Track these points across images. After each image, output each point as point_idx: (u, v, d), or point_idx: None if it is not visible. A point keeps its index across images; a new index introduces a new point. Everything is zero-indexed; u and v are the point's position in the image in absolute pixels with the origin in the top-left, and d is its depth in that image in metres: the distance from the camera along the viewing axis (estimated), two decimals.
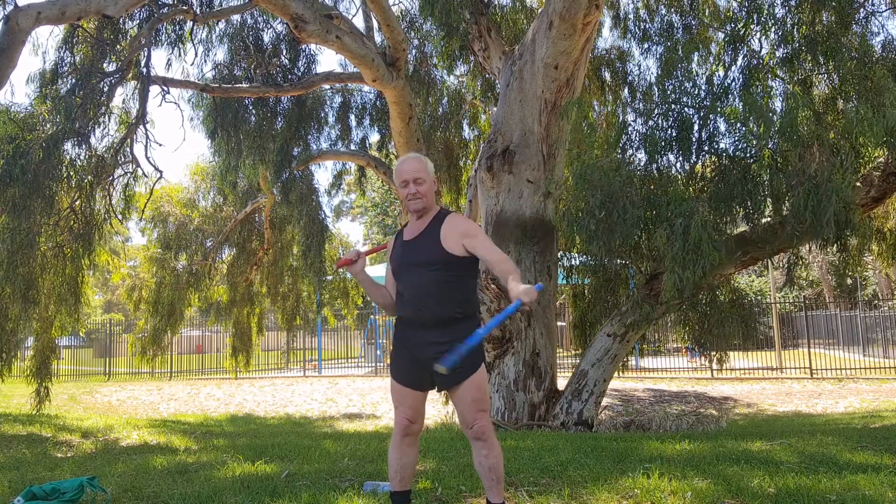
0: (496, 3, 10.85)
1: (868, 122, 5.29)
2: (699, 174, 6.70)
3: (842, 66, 6.43)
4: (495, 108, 9.30)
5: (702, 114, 6.43)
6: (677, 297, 5.83)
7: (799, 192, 5.42)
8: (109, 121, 8.87)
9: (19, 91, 61.39)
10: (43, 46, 8.97)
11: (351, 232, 70.60)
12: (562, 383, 7.71)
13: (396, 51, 8.59)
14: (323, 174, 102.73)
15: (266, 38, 11.18)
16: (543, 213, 7.73)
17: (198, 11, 9.51)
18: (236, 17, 10.86)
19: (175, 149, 22.79)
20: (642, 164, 6.48)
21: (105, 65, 8.92)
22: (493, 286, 7.43)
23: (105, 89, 8.52)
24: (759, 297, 26.25)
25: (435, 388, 2.93)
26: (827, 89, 7.32)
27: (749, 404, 11.70)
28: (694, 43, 7.73)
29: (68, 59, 8.74)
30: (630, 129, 6.81)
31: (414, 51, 11.77)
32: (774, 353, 18.64)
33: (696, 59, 8.31)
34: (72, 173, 8.35)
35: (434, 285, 2.83)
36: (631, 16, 10.81)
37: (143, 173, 9.40)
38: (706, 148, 6.48)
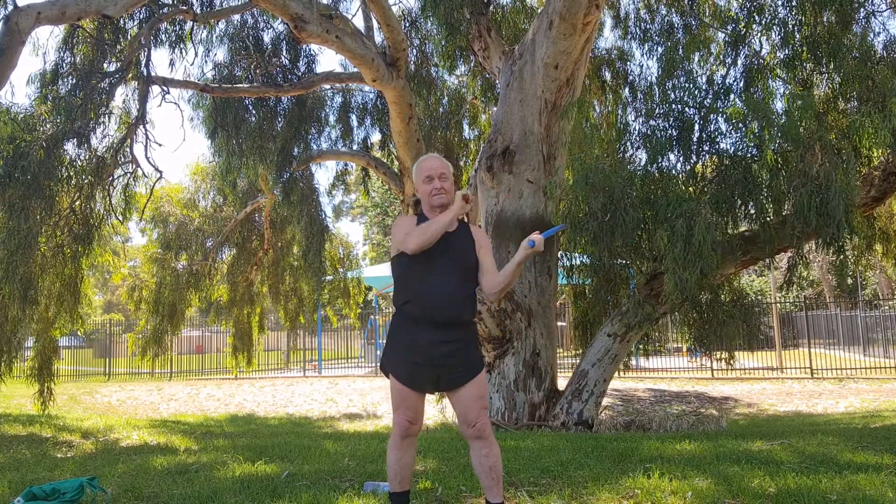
0: (496, 2, 10.83)
1: (875, 127, 5.28)
2: (700, 174, 6.69)
3: (843, 67, 6.41)
4: (495, 108, 9.29)
5: (703, 114, 6.43)
6: (678, 298, 5.82)
7: (802, 193, 5.40)
8: (109, 121, 8.85)
9: (19, 91, 61.35)
10: (43, 47, 8.96)
11: (351, 232, 70.61)
12: (562, 383, 7.70)
13: (396, 51, 8.58)
14: (323, 174, 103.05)
15: (266, 38, 11.17)
16: (543, 213, 7.72)
17: (198, 11, 9.50)
18: (236, 17, 10.84)
19: (175, 149, 22.72)
20: (643, 164, 6.48)
21: (105, 65, 8.91)
22: None
23: (105, 89, 8.51)
24: (760, 297, 26.25)
25: (437, 391, 2.94)
26: (828, 89, 7.30)
27: (749, 404, 11.70)
28: (695, 43, 7.72)
29: (68, 59, 8.73)
30: (631, 129, 6.80)
31: (414, 51, 11.75)
32: (775, 353, 18.64)
33: (696, 59, 8.30)
34: (72, 173, 8.33)
35: (461, 287, 2.90)
36: (632, 16, 10.81)
37: (143, 173, 9.40)
38: (707, 148, 6.48)
